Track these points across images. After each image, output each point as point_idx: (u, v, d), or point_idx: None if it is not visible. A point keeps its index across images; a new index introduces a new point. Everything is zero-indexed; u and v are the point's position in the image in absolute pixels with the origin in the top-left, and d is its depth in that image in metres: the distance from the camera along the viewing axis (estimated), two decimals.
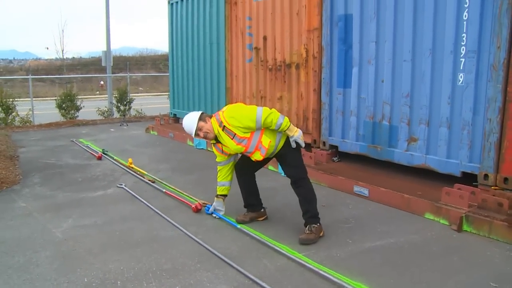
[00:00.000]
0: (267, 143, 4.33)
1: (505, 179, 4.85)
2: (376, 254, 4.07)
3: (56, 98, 14.72)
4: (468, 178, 5.24)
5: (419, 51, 5.72)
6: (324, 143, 7.25)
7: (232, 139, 4.34)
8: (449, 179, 5.36)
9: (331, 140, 7.14)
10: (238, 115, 4.28)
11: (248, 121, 4.23)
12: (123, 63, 32.53)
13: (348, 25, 6.64)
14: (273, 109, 4.31)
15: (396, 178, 6.00)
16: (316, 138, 7.37)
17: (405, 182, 5.82)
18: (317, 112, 7.26)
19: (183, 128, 4.62)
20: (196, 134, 4.48)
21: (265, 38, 8.36)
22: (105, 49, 17.83)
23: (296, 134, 4.33)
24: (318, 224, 4.41)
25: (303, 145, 4.44)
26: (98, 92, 28.27)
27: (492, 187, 4.94)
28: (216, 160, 4.81)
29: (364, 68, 6.49)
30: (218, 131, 4.38)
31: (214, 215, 4.98)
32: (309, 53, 7.36)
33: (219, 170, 4.84)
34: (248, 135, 4.30)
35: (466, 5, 5.13)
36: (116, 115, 15.01)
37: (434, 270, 3.73)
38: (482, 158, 5.08)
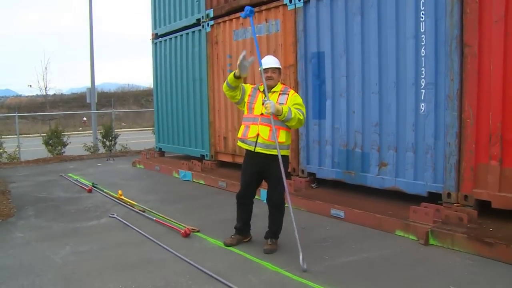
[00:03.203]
0: (278, 132, 4.85)
1: (465, 197, 5.39)
2: (350, 268, 4.51)
3: (40, 134, 14.99)
4: (434, 197, 5.76)
5: (385, 84, 6.32)
6: (302, 171, 7.73)
7: (277, 102, 4.83)
8: (417, 199, 5.86)
9: (309, 168, 7.64)
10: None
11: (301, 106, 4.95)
12: (105, 99, 32.97)
13: (321, 62, 7.24)
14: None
15: (369, 200, 6.48)
16: (295, 167, 7.85)
17: (377, 203, 6.31)
18: (295, 142, 7.76)
19: (266, 58, 5.12)
20: (272, 69, 4.98)
21: None
22: (88, 85, 18.27)
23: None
24: (278, 237, 5.10)
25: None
26: (81, 128, 28.52)
27: (455, 204, 5.47)
28: (236, 97, 5.11)
29: (337, 100, 7.06)
30: (278, 90, 4.99)
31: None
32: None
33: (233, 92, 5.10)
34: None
35: (423, 43, 5.78)
36: (102, 150, 15.32)
37: (401, 279, 4.19)
38: (444, 179, 5.62)
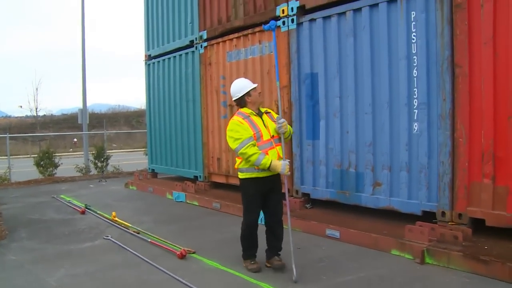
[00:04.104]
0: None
1: (459, 215, 5.44)
2: (347, 287, 4.52)
3: (30, 155, 14.89)
4: (429, 216, 5.80)
5: (378, 105, 6.41)
6: (297, 192, 7.76)
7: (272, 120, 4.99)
8: (411, 218, 5.89)
9: (303, 188, 7.66)
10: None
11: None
12: (96, 120, 32.94)
13: (314, 83, 7.33)
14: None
15: (364, 219, 6.51)
16: (289, 187, 7.85)
17: (372, 223, 6.33)
18: (290, 163, 7.79)
19: (235, 84, 5.06)
20: (252, 90, 4.96)
21: None
22: (78, 106, 18.28)
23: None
24: None
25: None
26: (71, 150, 28.39)
27: (449, 223, 5.52)
28: (242, 137, 4.77)
29: (331, 121, 7.13)
30: (263, 110, 5.08)
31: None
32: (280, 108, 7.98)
33: (250, 148, 4.75)
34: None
35: (415, 64, 5.89)
36: (94, 171, 15.26)
37: None
38: (438, 197, 5.67)
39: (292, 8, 7.54)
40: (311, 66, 7.39)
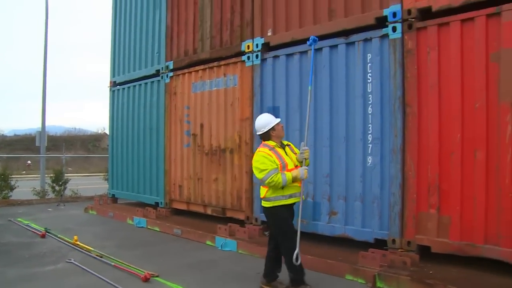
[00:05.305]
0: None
1: (408, 242, 5.89)
2: None
3: None
4: (381, 243, 6.21)
5: (335, 138, 6.85)
6: (256, 219, 8.03)
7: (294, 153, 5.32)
8: (365, 245, 6.28)
9: (262, 216, 7.88)
10: None
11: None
12: (51, 142, 32.18)
13: (276, 115, 7.64)
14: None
15: (321, 247, 6.84)
16: (249, 215, 8.15)
17: (328, 250, 6.68)
18: (249, 191, 8.11)
19: (261, 120, 5.42)
20: (276, 125, 5.32)
21: (202, 126, 9.28)
22: (32, 128, 18.09)
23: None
24: None
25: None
26: (24, 172, 27.57)
27: (399, 249, 5.95)
28: (268, 169, 5.04)
29: None
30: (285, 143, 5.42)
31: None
32: (242, 139, 8.33)
33: (275, 175, 5.02)
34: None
35: (370, 102, 6.41)
36: (52, 195, 15.02)
37: None
38: (389, 226, 6.11)
39: (257, 45, 7.99)
40: (273, 99, 7.80)
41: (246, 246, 7.30)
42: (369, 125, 6.43)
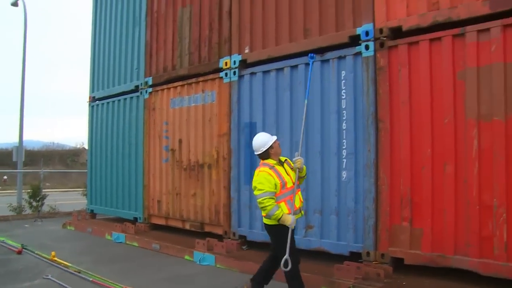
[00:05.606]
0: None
1: (382, 255, 6.02)
2: None
3: None
4: (355, 256, 6.33)
5: (311, 153, 6.99)
6: (234, 234, 8.09)
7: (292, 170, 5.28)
8: (340, 258, 6.39)
9: (240, 230, 8.02)
10: None
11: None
12: (28, 157, 31.67)
13: (253, 131, 7.82)
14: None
15: None
16: (227, 230, 8.20)
17: (304, 263, 6.67)
18: (227, 206, 8.18)
19: (258, 139, 5.42)
20: (273, 143, 5.30)
21: (180, 141, 9.36)
22: (6, 142, 17.87)
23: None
24: None
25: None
26: (0, 187, 27.09)
27: (373, 262, 6.07)
28: (264, 189, 5.05)
29: None
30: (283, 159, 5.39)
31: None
32: (220, 154, 8.43)
33: (268, 199, 5.03)
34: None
35: (344, 118, 6.58)
36: (29, 211, 14.80)
37: None
38: (364, 239, 6.24)
39: (234, 61, 8.14)
40: (250, 115, 7.93)
41: (224, 260, 7.35)
42: (344, 140, 6.59)
